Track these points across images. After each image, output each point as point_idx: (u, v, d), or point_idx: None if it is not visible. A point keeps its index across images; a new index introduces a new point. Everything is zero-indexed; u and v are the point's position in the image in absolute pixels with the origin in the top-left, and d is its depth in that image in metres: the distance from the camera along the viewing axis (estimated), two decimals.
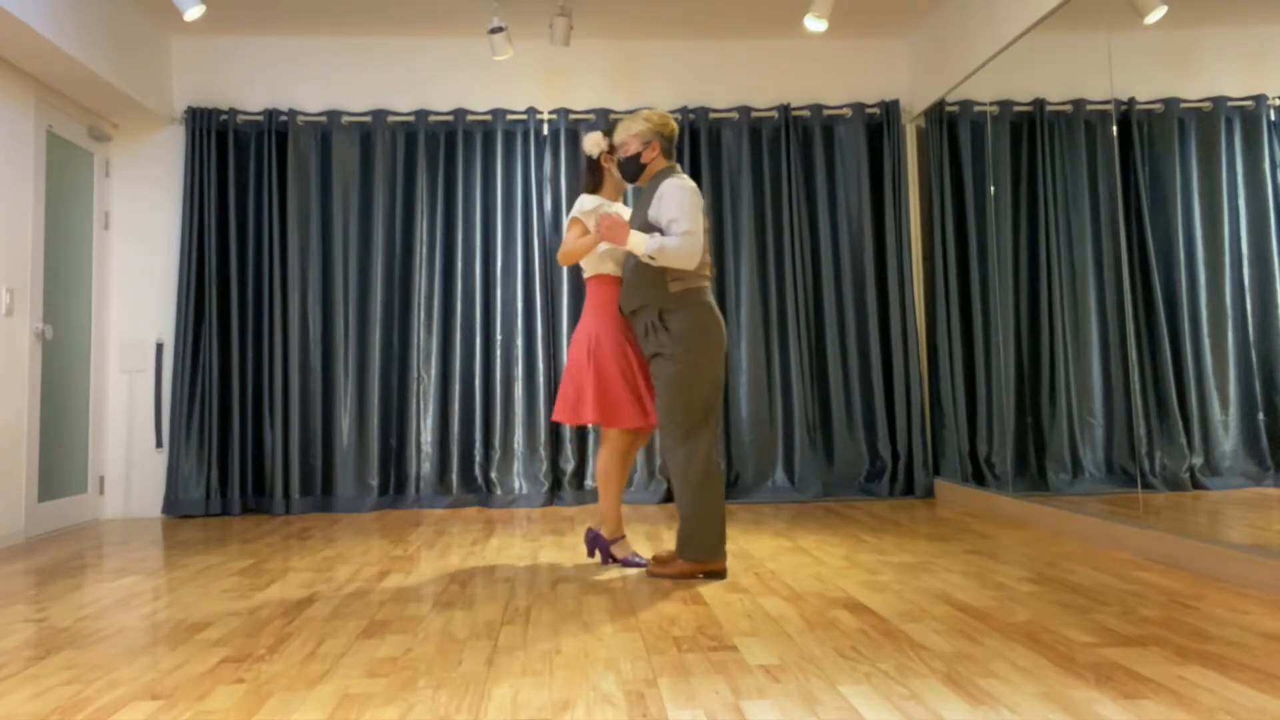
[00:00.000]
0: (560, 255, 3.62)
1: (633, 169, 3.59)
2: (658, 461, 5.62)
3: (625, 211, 3.73)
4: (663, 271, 3.39)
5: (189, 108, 5.62)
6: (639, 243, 3.34)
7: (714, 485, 3.37)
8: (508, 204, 5.74)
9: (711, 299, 3.47)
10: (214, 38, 5.77)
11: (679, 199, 3.38)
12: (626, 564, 3.65)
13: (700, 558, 3.38)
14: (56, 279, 5.04)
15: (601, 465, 3.65)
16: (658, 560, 3.48)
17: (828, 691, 2.11)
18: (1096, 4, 3.98)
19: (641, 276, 3.43)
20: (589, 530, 3.76)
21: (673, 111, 5.83)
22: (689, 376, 3.36)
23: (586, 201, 3.63)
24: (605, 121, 5.78)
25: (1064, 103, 4.30)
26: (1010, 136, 4.76)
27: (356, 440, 5.54)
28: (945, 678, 2.19)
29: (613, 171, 3.71)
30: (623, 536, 3.70)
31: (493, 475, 5.57)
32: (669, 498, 5.58)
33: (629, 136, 3.56)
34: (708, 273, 3.48)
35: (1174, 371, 3.65)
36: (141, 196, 5.66)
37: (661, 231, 3.41)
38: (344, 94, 5.81)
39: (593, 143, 3.70)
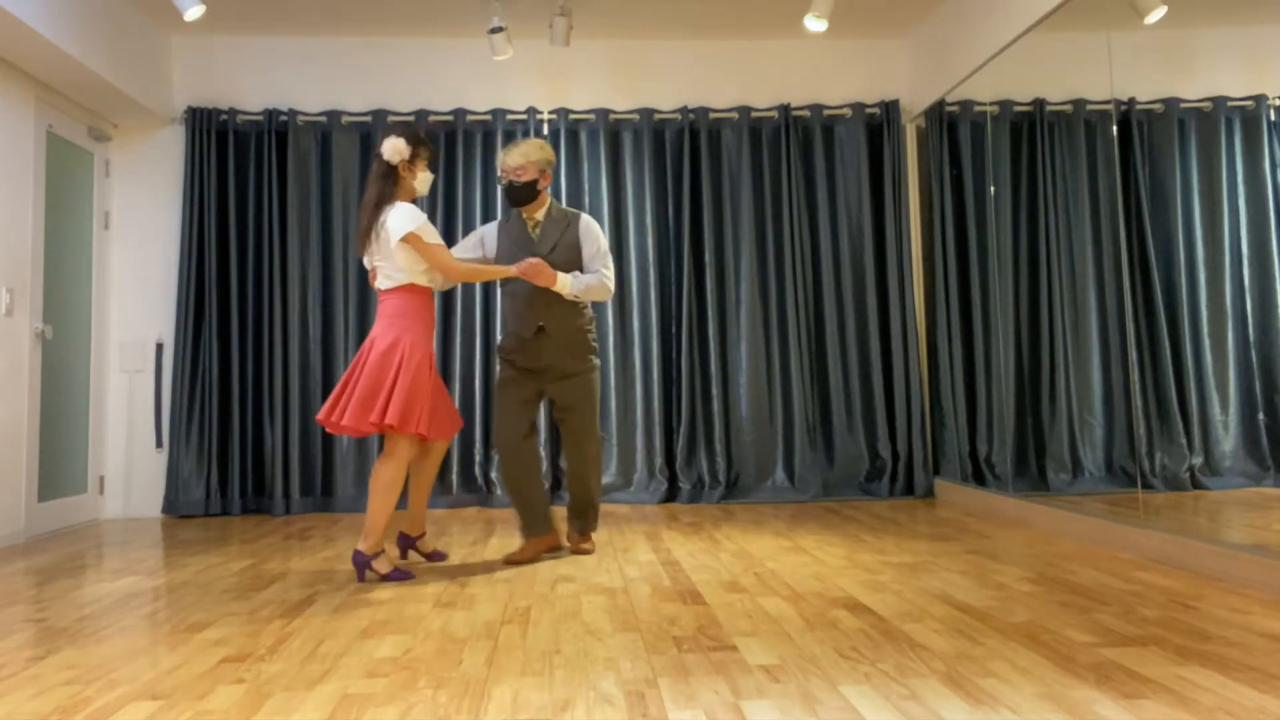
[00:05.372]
0: (459, 274, 3.57)
1: (527, 194, 3.82)
2: (657, 461, 5.62)
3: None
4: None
5: (189, 108, 5.62)
6: (565, 284, 3.72)
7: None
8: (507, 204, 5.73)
9: None
10: (214, 38, 5.77)
11: (601, 238, 3.88)
12: (391, 579, 3.42)
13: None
14: (56, 279, 5.04)
15: (388, 475, 3.44)
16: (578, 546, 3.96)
17: (828, 691, 2.11)
18: (1096, 4, 3.98)
19: (557, 302, 3.79)
20: (355, 553, 3.46)
21: (673, 111, 5.83)
22: (599, 384, 3.95)
23: (417, 214, 3.51)
24: (605, 121, 5.78)
25: (1064, 103, 4.30)
26: (1010, 136, 4.76)
27: (356, 440, 5.54)
28: (945, 678, 2.19)
29: (409, 181, 3.60)
30: (383, 551, 3.48)
31: (492, 475, 5.57)
32: (670, 497, 5.59)
33: (528, 162, 3.80)
34: None
35: (1174, 371, 3.65)
36: (141, 196, 5.66)
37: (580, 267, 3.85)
38: (344, 94, 5.81)
39: (394, 150, 3.54)
